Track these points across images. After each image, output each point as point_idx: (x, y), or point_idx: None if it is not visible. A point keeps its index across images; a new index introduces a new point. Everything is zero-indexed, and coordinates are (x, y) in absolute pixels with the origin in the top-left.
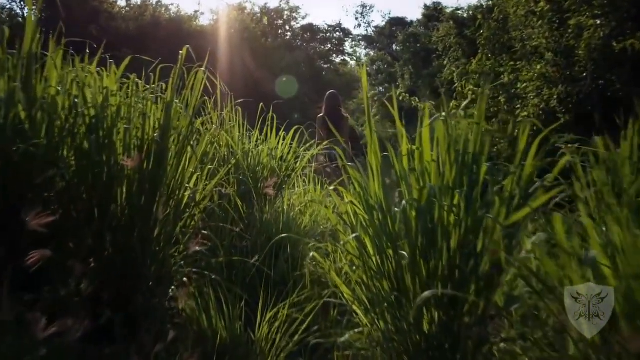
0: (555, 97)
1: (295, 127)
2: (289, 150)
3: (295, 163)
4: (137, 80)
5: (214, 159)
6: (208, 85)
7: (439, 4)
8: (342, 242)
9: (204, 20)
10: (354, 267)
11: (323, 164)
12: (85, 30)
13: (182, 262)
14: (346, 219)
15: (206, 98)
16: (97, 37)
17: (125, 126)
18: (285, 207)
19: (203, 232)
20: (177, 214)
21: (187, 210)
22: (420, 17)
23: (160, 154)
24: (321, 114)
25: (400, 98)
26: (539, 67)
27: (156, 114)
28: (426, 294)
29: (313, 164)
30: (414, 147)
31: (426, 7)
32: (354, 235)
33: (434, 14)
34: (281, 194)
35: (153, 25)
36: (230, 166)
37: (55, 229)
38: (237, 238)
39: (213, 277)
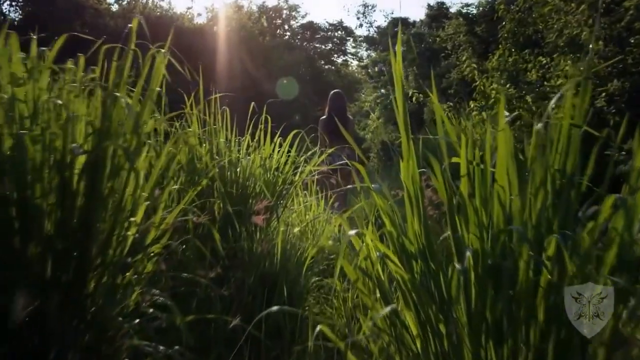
0: (603, 95)
1: (294, 131)
2: (287, 160)
3: (294, 174)
4: (72, 66)
5: (189, 173)
6: (167, 78)
7: (443, 3)
8: (369, 318)
9: (198, 19)
10: (381, 342)
11: (327, 175)
12: (69, 27)
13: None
14: (369, 268)
15: (172, 92)
16: (82, 34)
17: (22, 131)
18: (281, 230)
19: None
20: (121, 261)
21: (133, 255)
22: (423, 17)
23: (94, 174)
24: (324, 116)
25: (413, 99)
26: (566, 64)
27: (91, 113)
28: None
29: (315, 176)
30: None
31: (429, 6)
32: (388, 308)
33: (438, 13)
34: (277, 213)
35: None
36: (201, 186)
37: None
38: (214, 284)
39: (175, 348)
